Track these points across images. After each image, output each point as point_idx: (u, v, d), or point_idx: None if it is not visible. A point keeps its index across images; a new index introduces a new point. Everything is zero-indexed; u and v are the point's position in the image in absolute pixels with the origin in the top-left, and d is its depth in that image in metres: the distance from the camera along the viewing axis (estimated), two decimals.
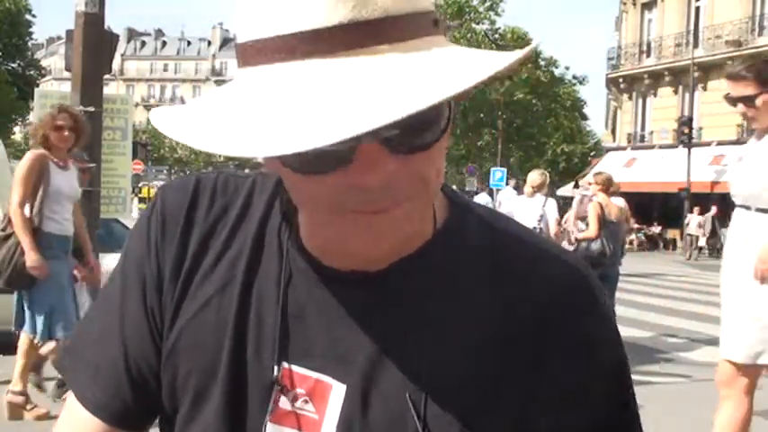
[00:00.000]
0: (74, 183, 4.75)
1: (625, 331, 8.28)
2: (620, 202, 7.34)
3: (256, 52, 0.65)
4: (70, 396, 0.86)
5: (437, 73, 0.61)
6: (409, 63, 0.62)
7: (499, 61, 0.63)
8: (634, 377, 0.83)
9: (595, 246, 6.65)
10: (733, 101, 3.47)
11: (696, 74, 28.63)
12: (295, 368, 0.77)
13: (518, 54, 0.64)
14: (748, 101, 3.41)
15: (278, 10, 0.63)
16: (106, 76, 6.59)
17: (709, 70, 29.68)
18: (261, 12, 0.64)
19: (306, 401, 0.76)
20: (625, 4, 34.62)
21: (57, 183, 4.56)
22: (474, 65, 0.63)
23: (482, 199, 8.90)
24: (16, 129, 45.50)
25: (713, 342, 8.19)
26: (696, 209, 25.30)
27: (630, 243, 24.13)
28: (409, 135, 0.65)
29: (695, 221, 24.71)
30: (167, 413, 0.83)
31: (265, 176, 0.85)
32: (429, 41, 0.65)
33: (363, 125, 0.57)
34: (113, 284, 0.87)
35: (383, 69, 0.61)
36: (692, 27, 29.99)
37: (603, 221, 6.75)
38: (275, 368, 0.77)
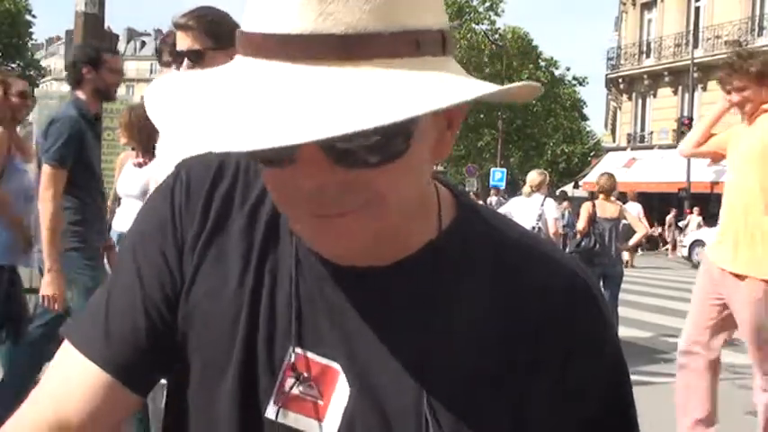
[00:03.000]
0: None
1: (625, 331, 8.30)
2: (637, 207, 7.53)
3: (238, 42, 0.68)
4: (63, 348, 0.84)
5: (384, 96, 0.60)
6: (361, 81, 0.61)
7: (453, 95, 0.62)
8: (634, 377, 0.83)
9: (586, 242, 7.13)
10: (181, 55, 2.68)
11: (696, 74, 28.65)
12: (303, 353, 0.78)
13: (485, 89, 0.63)
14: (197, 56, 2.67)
15: (256, 9, 0.66)
16: None
17: (708, 70, 29.66)
18: (248, 6, 0.67)
19: (311, 386, 0.77)
20: (625, 4, 34.64)
21: (126, 181, 4.59)
22: (426, 93, 0.62)
23: (515, 204, 8.47)
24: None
25: None
26: (696, 209, 25.30)
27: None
28: (355, 152, 0.65)
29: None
30: (175, 379, 0.84)
31: None
32: (394, 63, 0.63)
33: (282, 138, 0.58)
34: (130, 244, 0.86)
35: (331, 84, 0.61)
36: (691, 27, 30.00)
37: (594, 220, 7.20)
38: (291, 354, 0.78)
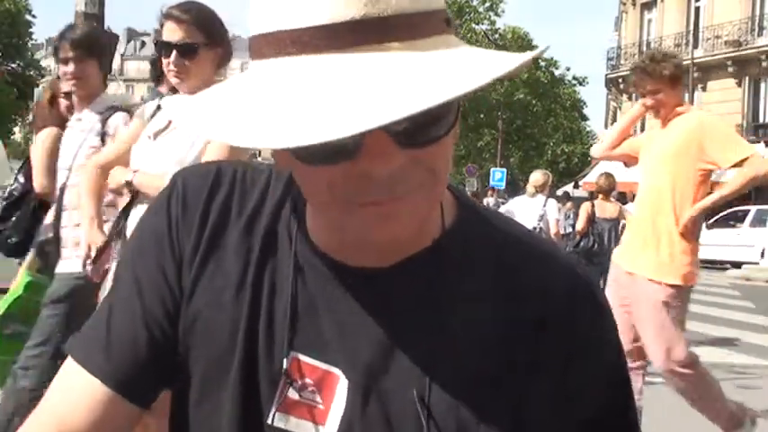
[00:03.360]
0: None
1: None
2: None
3: (269, 44, 0.65)
4: (66, 365, 0.84)
5: (446, 71, 0.62)
6: (419, 61, 0.62)
7: (508, 62, 0.63)
8: None
9: (585, 242, 7.33)
10: (170, 46, 2.53)
11: (695, 74, 28.63)
12: (304, 358, 0.77)
13: (527, 56, 0.64)
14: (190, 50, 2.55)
15: (291, 3, 0.64)
16: None
17: (708, 71, 29.70)
18: (275, 4, 0.65)
19: (313, 392, 0.77)
20: (625, 4, 34.65)
21: None
22: (483, 64, 0.63)
23: (517, 204, 8.40)
24: (16, 129, 45.53)
25: (713, 342, 8.20)
26: None
27: None
28: (417, 129, 0.66)
29: None
30: (179, 389, 0.83)
31: (280, 171, 0.85)
32: (440, 41, 0.65)
33: (372, 121, 0.57)
34: (128, 260, 0.86)
35: (393, 66, 0.61)
36: (691, 27, 29.99)
37: (593, 220, 7.38)
38: (291, 357, 0.77)
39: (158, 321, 0.82)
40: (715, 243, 21.32)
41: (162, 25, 2.58)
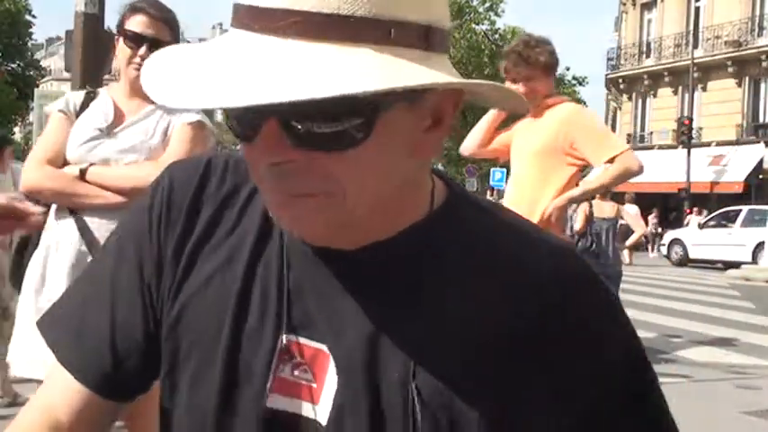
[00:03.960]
0: None
1: None
2: (634, 209, 7.65)
3: (232, 13, 0.69)
4: (53, 363, 0.86)
5: (328, 73, 0.61)
6: (307, 57, 0.62)
7: (406, 78, 0.63)
8: None
9: (583, 242, 7.21)
10: (142, 39, 2.48)
11: (696, 74, 28.64)
12: (296, 338, 0.78)
13: (428, 80, 0.65)
14: None
15: None
16: (106, 76, 6.59)
17: (708, 71, 29.70)
18: None
19: (305, 371, 0.77)
20: (625, 4, 34.64)
21: None
22: (378, 75, 0.62)
23: None
24: (16, 129, 45.54)
25: (713, 342, 8.20)
26: (695, 209, 25.29)
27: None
28: (310, 131, 0.65)
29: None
30: (168, 383, 0.84)
31: None
32: (361, 46, 0.64)
33: (230, 99, 0.61)
34: (106, 255, 0.88)
35: (284, 57, 0.63)
36: (691, 27, 30.00)
37: (591, 220, 7.36)
38: (283, 338, 0.78)
39: (132, 326, 0.84)
40: (707, 242, 21.35)
41: (125, 17, 2.53)
